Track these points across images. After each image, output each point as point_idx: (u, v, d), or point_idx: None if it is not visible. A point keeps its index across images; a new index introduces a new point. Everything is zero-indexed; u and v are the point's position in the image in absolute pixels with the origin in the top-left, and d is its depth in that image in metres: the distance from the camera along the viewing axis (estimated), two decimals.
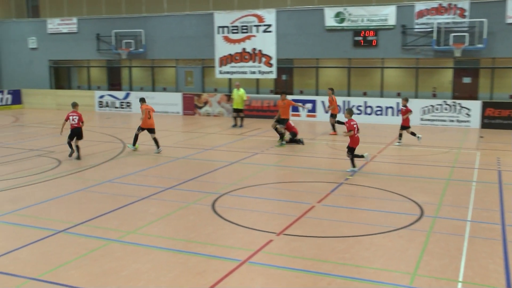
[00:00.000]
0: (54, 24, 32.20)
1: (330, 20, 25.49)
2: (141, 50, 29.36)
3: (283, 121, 18.37)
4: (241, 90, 23.32)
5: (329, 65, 27.22)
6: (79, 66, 33.13)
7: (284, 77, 27.71)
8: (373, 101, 24.78)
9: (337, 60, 26.69)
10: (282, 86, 27.75)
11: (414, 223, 9.73)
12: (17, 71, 33.91)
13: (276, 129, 18.43)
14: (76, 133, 15.90)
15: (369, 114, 24.72)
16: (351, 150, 14.15)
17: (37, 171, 14.26)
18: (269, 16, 26.59)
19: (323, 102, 25.53)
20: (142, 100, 17.76)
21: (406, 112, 18.13)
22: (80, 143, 16.00)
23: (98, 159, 15.85)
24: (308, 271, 7.56)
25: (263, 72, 27.12)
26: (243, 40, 27.26)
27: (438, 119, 23.78)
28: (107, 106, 30.50)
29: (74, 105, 16.58)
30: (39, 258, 8.10)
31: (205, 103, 28.06)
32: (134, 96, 29.56)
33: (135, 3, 30.76)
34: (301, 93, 27.45)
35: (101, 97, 30.65)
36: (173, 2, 29.82)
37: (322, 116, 25.43)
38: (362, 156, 14.21)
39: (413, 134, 18.23)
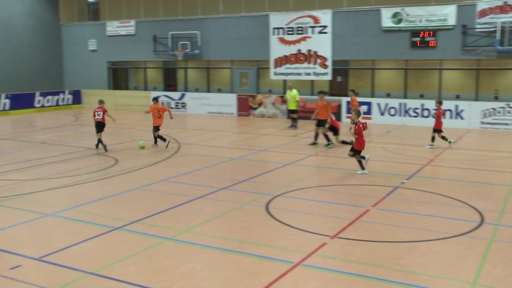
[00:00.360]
0: (113, 27, 33.05)
1: (387, 21, 25.04)
2: (196, 51, 29.71)
3: (322, 123, 18.21)
4: (294, 91, 23.25)
5: (385, 66, 26.75)
6: (136, 67, 33.85)
7: (339, 78, 27.44)
8: (431, 104, 24.13)
9: (394, 61, 26.20)
10: (337, 87, 27.49)
11: (473, 230, 9.40)
12: (77, 72, 35.00)
13: (324, 135, 18.27)
14: (101, 126, 17.53)
15: (426, 117, 24.12)
16: (356, 152, 14.09)
17: (95, 169, 14.65)
18: (325, 17, 26.37)
19: (378, 104, 25.13)
20: (155, 100, 18.86)
21: (439, 114, 17.88)
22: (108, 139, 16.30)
23: (154, 158, 16.13)
24: (362, 275, 7.42)
25: (318, 74, 26.92)
26: (298, 41, 27.15)
27: (500, 122, 22.95)
28: (162, 103, 31.01)
29: (100, 102, 18.23)
30: (97, 253, 8.30)
31: (260, 104, 28.12)
32: (190, 97, 29.96)
33: (192, 5, 31.15)
34: (356, 95, 27.06)
35: (157, 97, 31.13)
36: (229, 3, 30.03)
37: (378, 118, 25.03)
38: (363, 158, 14.18)
39: (444, 138, 17.90)
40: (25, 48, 32.79)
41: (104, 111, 17.67)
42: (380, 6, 25.45)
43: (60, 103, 32.82)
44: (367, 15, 25.72)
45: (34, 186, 12.79)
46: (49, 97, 32.28)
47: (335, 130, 18.73)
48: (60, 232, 9.44)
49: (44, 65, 34.10)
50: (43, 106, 31.87)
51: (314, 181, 13.38)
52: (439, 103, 18.25)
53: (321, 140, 18.76)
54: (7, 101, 29.77)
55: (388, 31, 25.14)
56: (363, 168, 14.06)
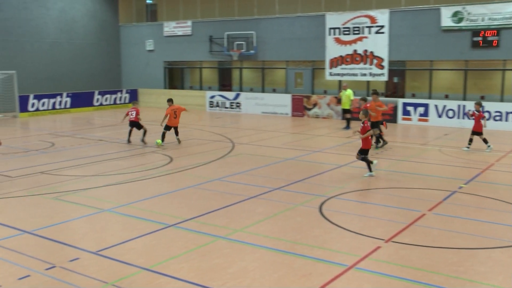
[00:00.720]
0: (170, 27, 33.60)
1: (446, 20, 24.34)
2: (252, 51, 29.81)
3: (376, 125, 17.59)
4: (348, 91, 22.99)
5: (444, 67, 26.05)
6: (192, 67, 34.30)
7: (395, 79, 26.92)
8: (492, 106, 23.32)
9: (453, 62, 25.45)
10: (394, 88, 26.99)
11: None
12: (135, 71, 35.79)
13: (379, 136, 17.94)
14: (134, 125, 19.10)
15: (487, 119, 23.32)
16: (363, 152, 13.80)
17: (151, 167, 14.90)
18: (382, 16, 25.93)
19: (436, 106, 24.49)
20: (170, 101, 19.50)
21: (479, 117, 17.39)
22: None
23: (208, 157, 16.27)
24: (418, 281, 7.23)
25: (374, 75, 26.50)
26: (354, 41, 26.80)
27: None
28: (217, 106, 31.30)
29: (134, 103, 20.11)
30: (151, 249, 8.42)
31: (314, 105, 27.94)
32: (244, 97, 30.10)
33: (248, 6, 31.29)
34: (413, 96, 26.53)
35: (212, 97, 31.52)
36: (285, 3, 29.98)
37: (435, 121, 24.38)
38: (371, 162, 13.80)
39: (485, 141, 17.41)
40: (86, 49, 33.82)
41: (137, 112, 19.02)
42: (439, 5, 24.77)
43: (118, 101, 33.65)
44: (425, 14, 25.10)
45: (92, 182, 13.15)
46: (107, 95, 33.15)
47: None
48: (116, 227, 9.65)
49: (104, 65, 35.07)
50: (101, 104, 32.76)
51: (368, 183, 13.16)
52: (478, 104, 17.74)
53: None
54: (68, 100, 30.75)
55: (448, 30, 24.45)
56: (370, 170, 13.78)
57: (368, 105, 18.04)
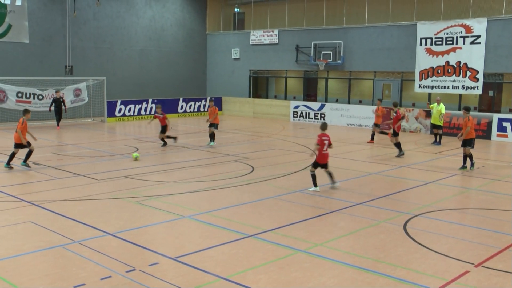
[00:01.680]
0: (257, 36, 33.84)
1: None
2: (339, 61, 29.40)
3: (469, 142, 16.38)
4: (441, 105, 21.97)
5: None
6: (277, 76, 34.34)
7: (491, 93, 25.55)
8: None
9: None
10: (488, 103, 25.63)
11: None
12: (220, 79, 36.34)
13: (467, 156, 16.60)
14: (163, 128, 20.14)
15: None
16: (314, 165, 12.98)
17: (232, 176, 14.91)
18: (479, 26, 24.70)
19: None
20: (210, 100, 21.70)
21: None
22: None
23: (291, 168, 16.09)
24: None
25: (467, 87, 25.29)
26: (447, 52, 25.72)
27: None
28: (301, 116, 31.09)
29: (157, 107, 20.81)
30: (229, 259, 8.34)
31: (402, 118, 27.00)
32: (329, 108, 29.70)
33: (336, 15, 30.93)
34: (510, 111, 25.06)
35: (296, 107, 31.35)
36: (375, 13, 29.32)
37: None
38: (314, 183, 13.06)
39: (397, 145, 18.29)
40: (173, 57, 34.76)
41: (164, 116, 19.86)
42: None
43: (201, 109, 34.21)
44: None
45: (174, 188, 13.32)
46: (191, 103, 33.80)
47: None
48: (195, 234, 9.65)
49: (189, 72, 35.88)
50: (185, 111, 33.45)
51: (457, 202, 12.48)
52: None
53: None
54: (153, 106, 31.63)
55: None
56: (315, 186, 13.02)
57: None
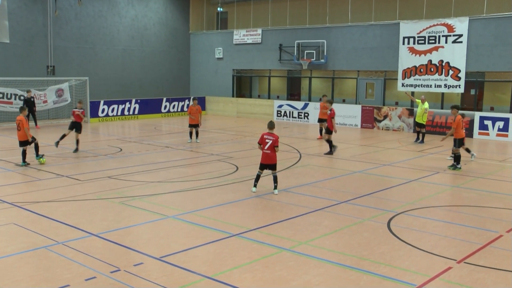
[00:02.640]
0: (240, 35, 33.84)
1: None
2: (322, 60, 29.50)
3: (459, 142, 16.48)
4: (426, 104, 22.13)
5: None
6: (260, 76, 34.36)
7: (472, 91, 25.80)
8: None
9: None
10: (470, 101, 25.89)
11: None
12: (203, 79, 36.28)
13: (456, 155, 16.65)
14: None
15: None
16: (260, 166, 12.77)
17: (216, 175, 14.90)
18: (461, 25, 24.94)
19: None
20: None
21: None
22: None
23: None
24: None
25: (450, 86, 25.53)
26: (429, 51, 25.94)
27: None
28: (285, 115, 31.16)
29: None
30: (214, 258, 8.34)
31: (385, 116, 27.26)
32: (313, 107, 29.78)
33: (319, 14, 31.02)
34: (492, 109, 25.34)
35: (280, 106, 31.40)
36: (358, 12, 29.45)
37: None
38: (254, 186, 12.84)
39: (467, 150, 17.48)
40: (156, 56, 34.63)
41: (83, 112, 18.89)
42: None
43: (185, 109, 34.03)
44: (510, 21, 23.82)
45: (158, 188, 13.28)
46: (175, 103, 33.67)
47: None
48: (180, 234, 9.63)
49: (173, 72, 35.79)
50: (169, 111, 33.31)
51: (440, 200, 12.59)
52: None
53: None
54: (137, 106, 31.49)
55: None
56: (255, 186, 12.90)
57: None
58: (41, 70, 28.64)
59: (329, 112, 18.92)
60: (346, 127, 28.18)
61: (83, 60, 30.71)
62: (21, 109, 16.21)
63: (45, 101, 27.04)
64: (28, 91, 25.59)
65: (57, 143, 18.21)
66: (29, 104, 24.79)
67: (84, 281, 7.36)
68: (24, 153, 15.82)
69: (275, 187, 12.80)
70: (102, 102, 29.77)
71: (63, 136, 18.29)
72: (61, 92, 27.72)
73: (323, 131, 22.65)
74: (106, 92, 31.58)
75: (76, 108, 18.90)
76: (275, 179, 12.84)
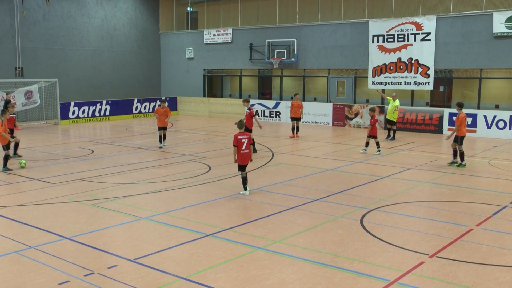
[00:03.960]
0: (210, 35, 33.77)
1: (499, 26, 23.45)
2: (293, 59, 29.63)
3: (456, 139, 16.51)
4: (397, 101, 22.41)
5: (495, 76, 25.15)
6: (231, 75, 34.34)
7: (441, 88, 26.23)
8: None
9: (505, 70, 24.49)
10: (439, 98, 26.33)
11: None
12: (174, 79, 36.12)
13: (457, 152, 16.59)
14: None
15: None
16: (239, 167, 12.65)
17: (189, 175, 14.85)
18: (429, 23, 25.33)
19: (485, 117, 23.69)
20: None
21: (374, 122, 18.79)
22: None
23: (248, 167, 16.05)
24: None
25: (419, 83, 25.91)
26: (399, 49, 26.28)
27: None
28: (257, 114, 31.15)
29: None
30: (189, 258, 8.32)
31: (356, 114, 27.52)
32: (284, 106, 29.89)
33: (289, 14, 31.14)
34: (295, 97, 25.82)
35: (252, 105, 31.36)
36: (327, 11, 29.67)
37: (484, 132, 23.60)
38: (246, 189, 12.59)
39: (377, 144, 18.83)
40: (127, 57, 34.35)
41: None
42: (492, 10, 23.92)
43: None
44: (476, 20, 24.32)
45: (131, 189, 13.17)
46: (146, 103, 33.45)
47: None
48: (154, 235, 9.57)
49: (143, 72, 35.54)
50: (140, 112, 33.08)
51: (412, 196, 12.76)
52: (373, 110, 18.90)
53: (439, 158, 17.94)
54: (108, 107, 31.17)
55: (501, 37, 23.61)
56: (245, 189, 12.58)
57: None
58: (9, 72, 28.15)
59: (247, 111, 18.65)
60: (318, 125, 28.36)
61: (52, 62, 30.27)
62: (2, 112, 15.56)
63: (14, 104, 26.52)
64: (7, 93, 25.14)
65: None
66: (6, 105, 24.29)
67: (58, 285, 7.27)
68: (6, 158, 15.50)
69: (246, 188, 12.69)
70: (72, 103, 29.38)
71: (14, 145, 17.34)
72: (30, 94, 27.25)
73: (295, 129, 22.90)
74: (77, 93, 31.19)
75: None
76: (246, 179, 12.80)
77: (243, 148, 12.50)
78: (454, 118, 17.56)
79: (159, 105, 20.92)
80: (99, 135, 24.81)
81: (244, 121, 13.11)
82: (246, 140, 12.57)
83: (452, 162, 16.70)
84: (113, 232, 9.79)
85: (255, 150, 17.96)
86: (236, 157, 12.57)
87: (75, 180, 14.14)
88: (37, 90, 27.53)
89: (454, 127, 16.85)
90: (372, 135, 18.81)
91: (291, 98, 23.34)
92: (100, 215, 10.84)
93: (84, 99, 30.83)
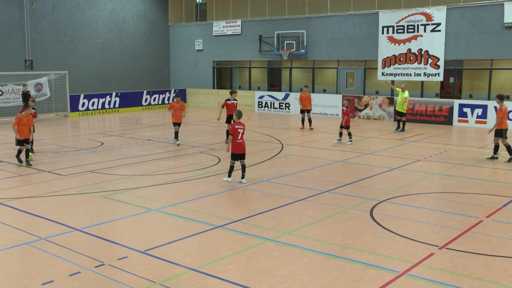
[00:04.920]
0: (219, 27, 33.71)
1: (510, 16, 23.16)
2: (302, 51, 29.53)
3: (501, 133, 15.83)
4: (406, 93, 22.30)
5: (506, 66, 24.93)
6: (241, 67, 34.30)
7: (451, 79, 26.06)
8: None
9: None
10: (449, 89, 26.16)
11: None
12: (183, 71, 36.12)
13: (507, 147, 15.86)
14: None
15: None
16: (231, 156, 12.86)
17: (199, 167, 14.88)
18: (439, 14, 25.13)
19: (495, 108, 23.46)
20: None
21: (345, 113, 18.92)
22: None
23: (257, 159, 16.14)
24: None
25: (429, 74, 25.75)
26: (408, 40, 26.11)
27: None
28: (266, 106, 31.16)
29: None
30: (198, 250, 8.34)
31: (366, 105, 27.42)
32: (294, 97, 29.82)
33: (299, 5, 31.00)
34: (470, 97, 25.63)
35: (261, 97, 31.39)
36: (337, 2, 29.49)
37: (494, 123, 23.27)
38: (229, 176, 12.89)
39: (349, 135, 19.15)
40: (136, 49, 34.36)
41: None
42: (503, 0, 23.72)
43: (166, 101, 33.87)
44: (487, 10, 24.09)
45: (141, 181, 13.22)
46: (156, 95, 33.51)
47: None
48: (164, 227, 9.62)
49: (152, 65, 35.56)
50: (149, 104, 33.15)
51: (422, 187, 12.72)
52: (347, 100, 19.18)
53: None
54: (117, 99, 31.25)
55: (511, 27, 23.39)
56: (229, 176, 12.94)
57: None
58: (19, 65, 28.27)
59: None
60: (327, 116, 28.28)
61: (61, 54, 30.35)
62: (25, 106, 15.47)
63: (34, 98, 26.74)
64: (24, 85, 25.25)
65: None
66: (26, 98, 24.34)
67: (68, 276, 7.32)
68: (24, 152, 15.39)
69: (243, 176, 12.90)
70: (82, 96, 29.49)
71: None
72: (40, 86, 27.38)
73: (308, 121, 22.84)
74: (86, 85, 31.28)
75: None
76: (244, 168, 12.95)
77: (239, 137, 12.73)
78: (495, 110, 16.57)
79: (173, 100, 19.60)
80: (109, 127, 24.89)
81: (240, 111, 13.31)
82: (242, 130, 12.79)
83: (492, 157, 16.05)
84: (123, 224, 9.85)
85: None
86: (231, 146, 12.90)
87: (85, 172, 14.22)
88: (46, 82, 27.66)
89: (495, 121, 16.04)
90: (346, 125, 18.98)
91: (300, 90, 23.21)
92: (110, 207, 10.89)
93: (94, 92, 30.93)
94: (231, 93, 19.12)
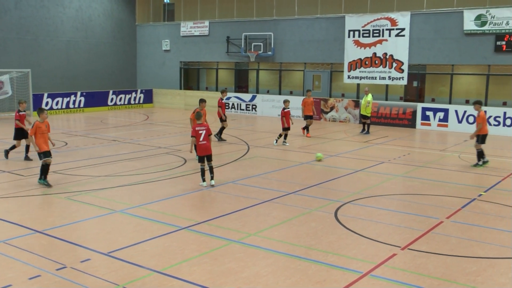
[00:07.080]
0: (187, 27, 33.58)
1: (469, 24, 23.90)
2: (269, 53, 29.65)
3: (483, 139, 15.73)
4: (369, 96, 22.61)
5: (466, 71, 25.59)
6: (208, 68, 34.23)
7: (415, 83, 26.55)
8: None
9: (475, 66, 25.01)
10: (413, 93, 26.64)
11: None
12: (150, 71, 35.85)
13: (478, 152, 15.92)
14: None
15: (509, 126, 22.89)
16: (198, 159, 12.86)
17: (165, 168, 14.79)
18: (403, 19, 25.59)
19: (456, 111, 24.09)
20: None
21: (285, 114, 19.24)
22: None
23: (223, 160, 16.13)
24: None
25: (393, 78, 26.17)
26: (374, 44, 26.50)
27: None
28: (233, 107, 31.16)
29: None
30: (163, 252, 8.30)
31: (332, 108, 27.69)
32: (260, 99, 29.93)
33: (267, 7, 31.13)
34: (433, 101, 26.17)
35: (228, 98, 31.32)
36: (304, 5, 29.73)
37: (455, 126, 23.99)
38: (203, 180, 12.70)
39: (285, 136, 19.44)
40: (102, 48, 33.94)
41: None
42: (462, 8, 24.32)
43: (132, 102, 33.60)
44: (448, 17, 24.70)
45: (105, 182, 13.07)
46: (122, 95, 33.14)
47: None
48: (128, 228, 9.54)
49: (119, 64, 35.17)
50: (115, 104, 32.77)
51: (385, 189, 12.92)
52: (287, 102, 19.85)
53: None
54: (82, 99, 30.81)
55: (471, 34, 24.01)
56: (203, 180, 12.73)
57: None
58: None
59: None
60: (294, 118, 28.33)
61: (24, 52, 29.74)
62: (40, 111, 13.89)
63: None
64: None
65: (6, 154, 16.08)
66: None
67: (28, 280, 7.18)
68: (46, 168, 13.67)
69: (212, 178, 12.81)
70: (45, 94, 28.98)
71: (13, 147, 16.36)
72: (1, 84, 26.77)
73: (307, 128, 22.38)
74: (50, 84, 30.70)
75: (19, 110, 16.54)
76: (212, 170, 12.85)
77: (201, 139, 12.57)
78: (475, 116, 16.54)
79: (198, 108, 16.37)
80: (73, 127, 24.53)
81: (200, 112, 13.17)
82: (204, 131, 12.63)
83: (476, 164, 15.88)
84: (86, 226, 9.72)
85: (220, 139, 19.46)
86: (193, 148, 13.00)
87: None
88: (8, 80, 27.03)
89: (476, 127, 15.85)
90: (287, 127, 19.18)
91: (307, 91, 22.27)
92: (73, 208, 10.74)
93: (58, 91, 30.40)
94: (221, 92, 20.48)
